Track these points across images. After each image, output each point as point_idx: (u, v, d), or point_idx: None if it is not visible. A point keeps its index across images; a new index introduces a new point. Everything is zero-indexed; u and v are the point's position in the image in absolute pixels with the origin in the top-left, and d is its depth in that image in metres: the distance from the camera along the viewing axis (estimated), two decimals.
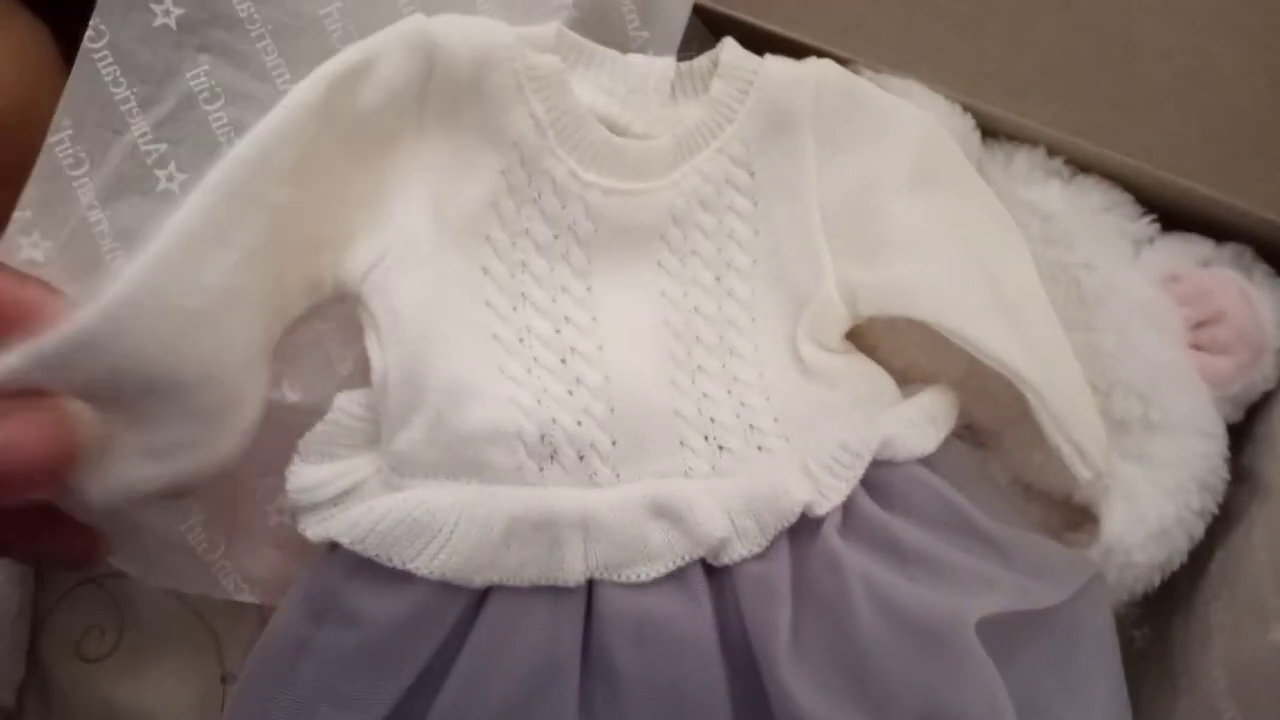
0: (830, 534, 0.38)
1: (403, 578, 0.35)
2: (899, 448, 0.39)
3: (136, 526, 0.39)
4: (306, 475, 0.37)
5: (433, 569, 0.35)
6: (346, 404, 0.38)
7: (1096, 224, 0.44)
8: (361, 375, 0.38)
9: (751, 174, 0.42)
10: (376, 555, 0.35)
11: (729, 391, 0.40)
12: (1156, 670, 0.44)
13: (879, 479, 0.39)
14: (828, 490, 0.38)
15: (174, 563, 0.40)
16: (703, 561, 0.37)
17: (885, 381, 0.42)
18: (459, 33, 0.39)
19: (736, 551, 0.37)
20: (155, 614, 0.48)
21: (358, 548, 0.35)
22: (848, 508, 0.38)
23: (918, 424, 0.40)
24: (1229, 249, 0.44)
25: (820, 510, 0.38)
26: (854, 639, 0.36)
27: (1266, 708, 0.37)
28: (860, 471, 0.39)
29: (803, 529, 0.38)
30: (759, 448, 0.39)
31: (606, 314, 0.41)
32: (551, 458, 0.38)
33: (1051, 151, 0.45)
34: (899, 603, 0.36)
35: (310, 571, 0.37)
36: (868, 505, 0.39)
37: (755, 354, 0.41)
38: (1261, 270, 0.44)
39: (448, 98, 0.39)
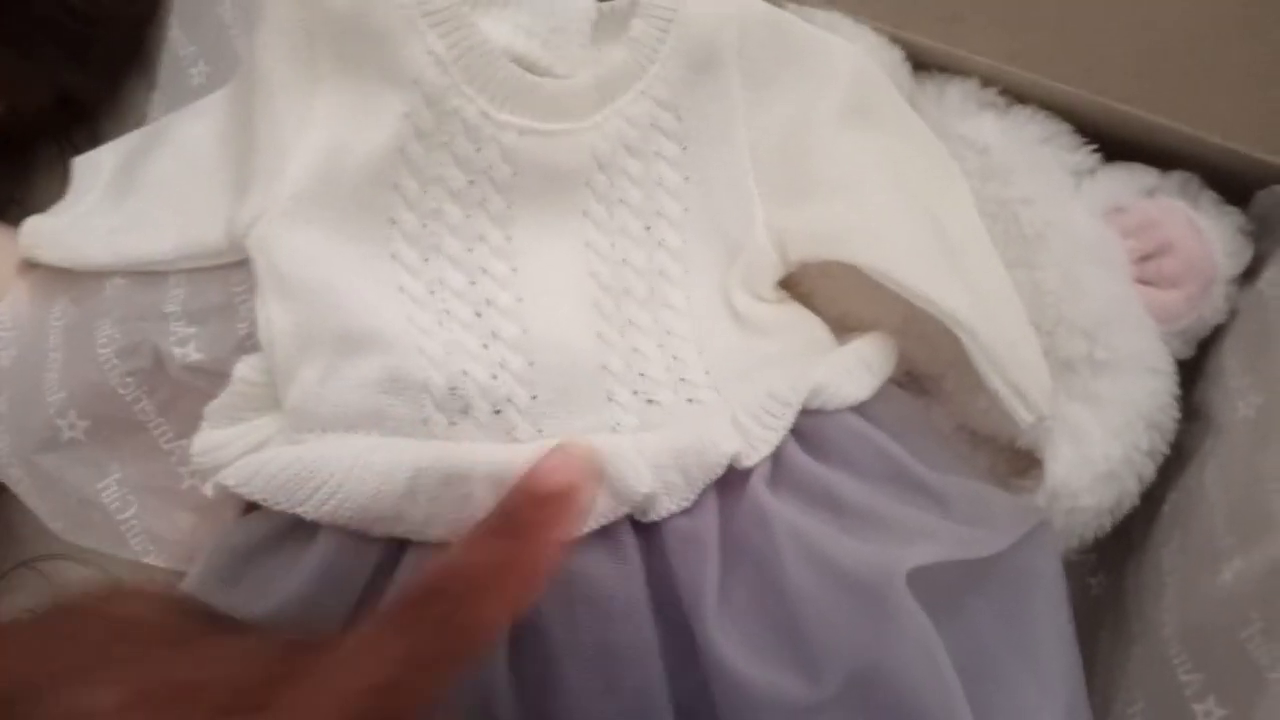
0: (758, 486, 0.36)
1: (307, 538, 0.34)
2: (830, 395, 0.38)
3: (58, 482, 0.39)
4: (210, 438, 0.36)
5: (323, 514, 0.34)
6: (245, 371, 0.37)
7: (1035, 156, 0.42)
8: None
9: (679, 117, 0.40)
10: (264, 499, 0.34)
11: (660, 345, 0.39)
12: (1111, 617, 0.43)
13: (811, 428, 0.38)
14: (756, 441, 0.37)
15: (90, 520, 0.39)
16: (631, 518, 0.36)
17: (821, 331, 0.41)
18: None
19: (664, 507, 0.36)
20: None
21: (243, 491, 0.34)
22: (777, 459, 0.37)
23: (852, 371, 0.39)
24: (1174, 177, 0.42)
25: (748, 461, 0.36)
26: (783, 594, 0.34)
27: (1215, 653, 0.36)
28: (789, 421, 0.37)
29: (731, 482, 0.37)
30: (689, 400, 0.38)
31: (528, 265, 0.39)
32: (464, 411, 0.36)
33: (985, 82, 0.43)
34: (829, 555, 0.34)
35: (217, 539, 0.36)
36: (798, 456, 0.37)
37: (688, 305, 0.40)
38: (1209, 198, 0.42)
39: (335, 38, 0.38)
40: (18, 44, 0.44)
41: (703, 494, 0.36)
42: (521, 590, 0.24)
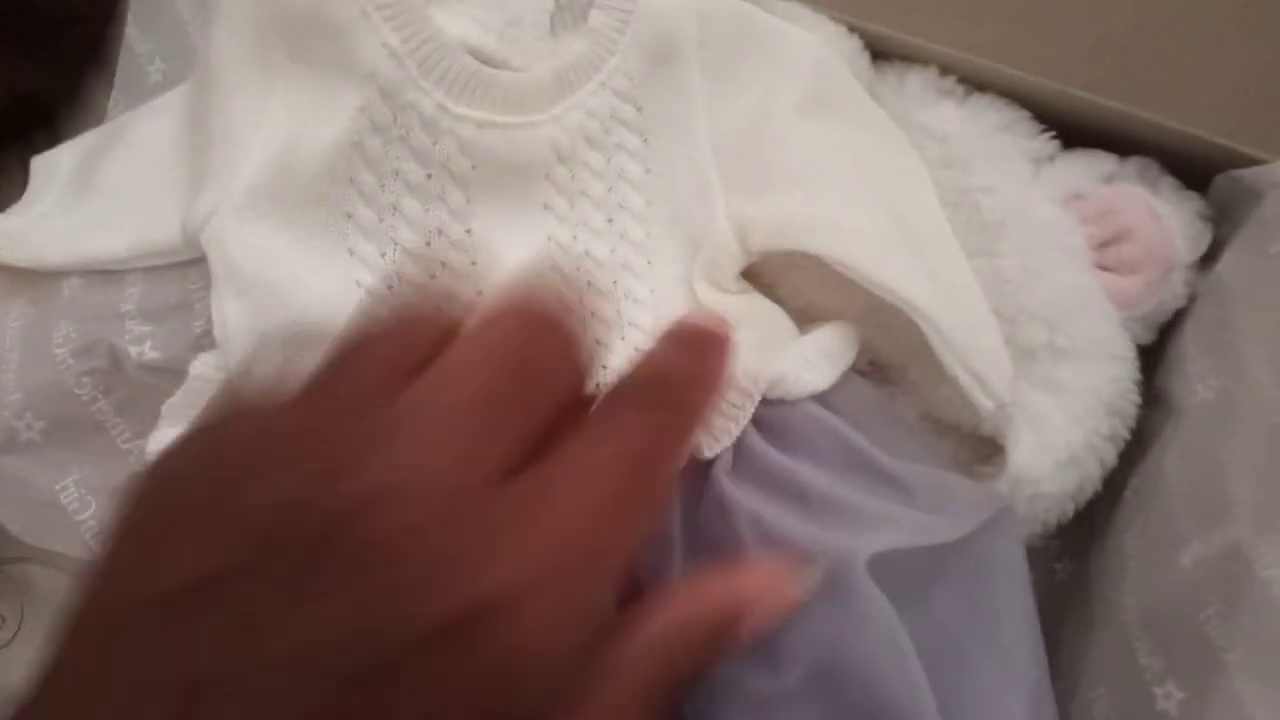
0: (719, 477, 0.36)
1: None
2: (791, 385, 0.38)
3: (16, 484, 0.39)
4: (167, 437, 0.36)
5: None
6: (201, 369, 0.37)
7: (994, 144, 0.42)
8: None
9: (639, 109, 0.40)
10: None
11: (623, 338, 0.39)
12: (1076, 603, 0.43)
13: (773, 417, 0.38)
14: (717, 431, 0.37)
15: (49, 521, 0.39)
16: None
17: (783, 322, 0.41)
18: None
19: None
20: (56, 599, 0.47)
21: None
22: (739, 448, 0.37)
23: (812, 360, 0.39)
24: (1133, 163, 0.42)
25: (709, 452, 0.36)
26: None
27: (1175, 636, 0.36)
28: (750, 411, 0.37)
29: (693, 472, 0.37)
30: None
31: (487, 258, 0.39)
32: None
33: (944, 70, 0.43)
34: (790, 544, 0.34)
35: None
36: (759, 445, 0.37)
37: (651, 298, 0.40)
38: (1168, 184, 0.42)
39: (289, 32, 0.38)
40: None
41: None
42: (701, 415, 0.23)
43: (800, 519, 0.35)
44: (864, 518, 0.35)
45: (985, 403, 0.39)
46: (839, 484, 0.36)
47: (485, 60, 0.39)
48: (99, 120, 0.49)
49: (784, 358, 0.38)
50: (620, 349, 0.39)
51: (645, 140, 0.40)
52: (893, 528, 0.35)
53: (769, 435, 0.38)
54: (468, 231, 0.39)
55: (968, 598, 0.36)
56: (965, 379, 0.39)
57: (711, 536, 0.35)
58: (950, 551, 0.36)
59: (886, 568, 0.33)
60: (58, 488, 0.39)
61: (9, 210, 0.42)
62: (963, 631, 0.35)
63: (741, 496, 0.36)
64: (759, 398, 0.37)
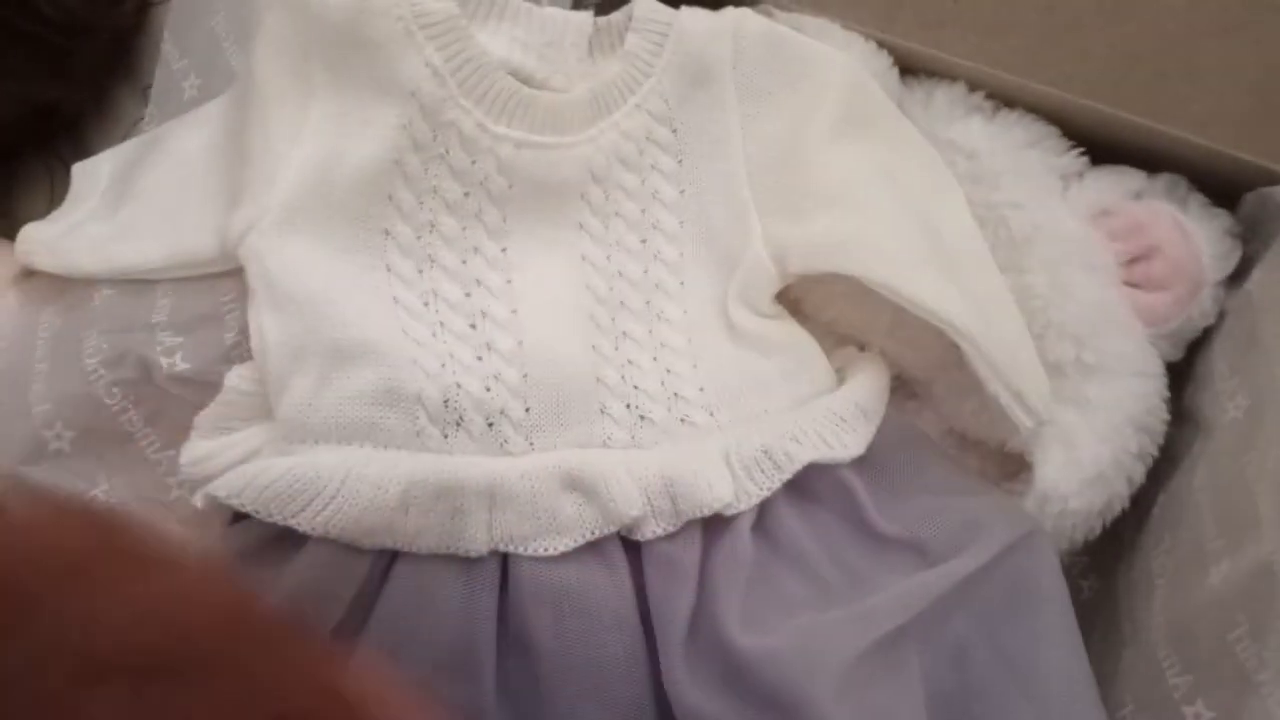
0: (743, 531, 0.36)
1: (295, 547, 0.34)
2: (825, 456, 0.37)
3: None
4: (199, 448, 0.36)
5: (315, 525, 0.34)
6: (236, 381, 0.37)
7: (1022, 160, 0.42)
8: (247, 344, 0.37)
9: (674, 130, 0.40)
10: (256, 510, 0.34)
11: (655, 358, 0.39)
12: (1103, 621, 0.43)
13: (803, 481, 0.37)
14: (746, 492, 0.36)
15: None
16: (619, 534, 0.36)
17: (815, 354, 0.40)
18: None
19: (650, 530, 0.36)
20: None
21: (235, 502, 0.34)
22: (765, 508, 0.37)
23: (848, 420, 0.38)
24: (1162, 180, 0.42)
25: (734, 511, 0.36)
26: (731, 649, 0.34)
27: (1204, 655, 0.36)
28: (779, 483, 0.37)
29: (717, 518, 0.36)
30: (682, 420, 0.38)
31: (523, 277, 0.39)
32: (457, 424, 0.36)
33: (972, 86, 0.43)
34: (785, 614, 0.35)
35: (203, 548, 0.36)
36: (784, 513, 0.37)
37: (684, 318, 0.40)
38: (1197, 201, 0.42)
39: (330, 48, 0.38)
40: None
41: (689, 522, 0.36)
42: None
43: (803, 590, 0.36)
44: (867, 590, 0.35)
45: (1025, 421, 0.39)
46: (850, 551, 0.37)
47: (524, 80, 0.40)
48: (128, 131, 0.49)
49: (820, 421, 0.38)
50: (652, 369, 0.39)
51: (680, 162, 0.40)
52: (897, 606, 0.35)
53: (796, 494, 0.37)
54: (503, 250, 0.39)
55: (996, 629, 0.36)
56: (1006, 397, 0.38)
57: (718, 585, 0.35)
58: (968, 583, 0.36)
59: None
60: (87, 499, 0.39)
61: (49, 217, 0.42)
62: (994, 666, 0.35)
63: (757, 557, 0.36)
64: (789, 476, 0.37)
